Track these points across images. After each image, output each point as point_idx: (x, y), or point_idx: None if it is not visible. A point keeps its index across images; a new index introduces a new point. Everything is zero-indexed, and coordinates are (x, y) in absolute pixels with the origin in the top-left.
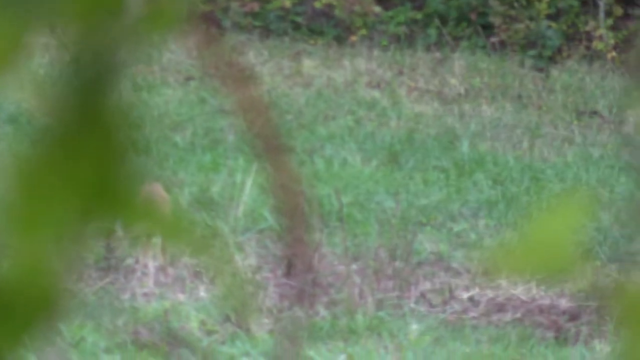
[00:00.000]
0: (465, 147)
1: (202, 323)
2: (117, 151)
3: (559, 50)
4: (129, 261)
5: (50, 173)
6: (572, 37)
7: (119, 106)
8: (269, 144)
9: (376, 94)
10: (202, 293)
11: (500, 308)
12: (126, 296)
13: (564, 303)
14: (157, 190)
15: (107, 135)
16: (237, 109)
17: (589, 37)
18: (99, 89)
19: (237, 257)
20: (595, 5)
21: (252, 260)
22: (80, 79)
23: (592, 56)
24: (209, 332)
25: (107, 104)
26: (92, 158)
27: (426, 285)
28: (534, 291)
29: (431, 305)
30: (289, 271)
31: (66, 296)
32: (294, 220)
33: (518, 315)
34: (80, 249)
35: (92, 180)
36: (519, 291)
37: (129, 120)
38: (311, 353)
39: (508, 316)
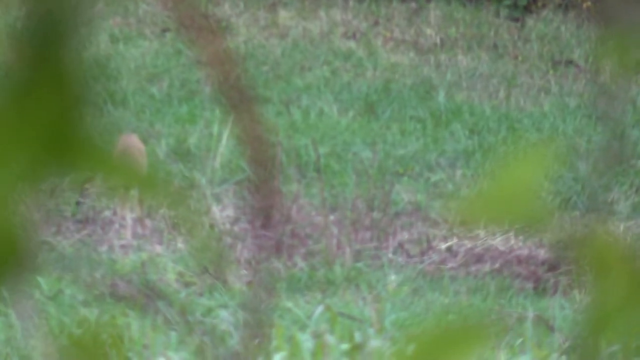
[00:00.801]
0: (441, 97)
1: (180, 275)
2: (91, 103)
3: (534, 0)
4: (106, 213)
5: (20, 125)
6: None
7: (88, 59)
8: (240, 95)
9: (352, 44)
10: (179, 245)
11: (479, 258)
12: (104, 248)
13: (543, 253)
14: (134, 141)
15: (79, 86)
16: (208, 60)
17: None
18: (68, 42)
19: (215, 209)
20: None
21: (230, 212)
22: (50, 32)
23: (568, 5)
24: (187, 284)
25: (76, 56)
26: (64, 109)
27: (404, 236)
28: (512, 241)
29: (409, 256)
30: (267, 223)
31: (38, 248)
32: (266, 172)
33: (496, 265)
34: (55, 201)
35: (66, 132)
36: (497, 241)
37: (102, 72)
38: (289, 304)
39: (486, 267)
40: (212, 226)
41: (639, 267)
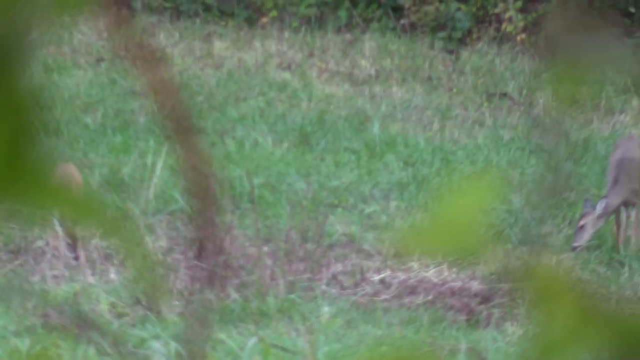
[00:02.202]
0: (376, 128)
1: (112, 305)
2: (28, 132)
3: (469, 32)
4: (39, 243)
5: None
6: (481, 19)
7: (28, 87)
8: (179, 125)
9: (287, 75)
10: (112, 275)
11: (412, 290)
12: (36, 279)
13: (476, 285)
14: (71, 171)
15: (17, 115)
16: (147, 90)
17: (499, 19)
18: (8, 70)
19: (148, 239)
20: None
21: (163, 242)
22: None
23: (502, 38)
24: (119, 315)
25: (17, 85)
26: (2, 138)
27: (337, 268)
28: (446, 273)
29: (342, 288)
30: (200, 253)
31: None
32: (204, 202)
33: (429, 297)
34: None
35: (2, 161)
36: (431, 273)
37: (39, 101)
38: (222, 336)
39: (419, 298)
40: (145, 256)
41: (583, 299)
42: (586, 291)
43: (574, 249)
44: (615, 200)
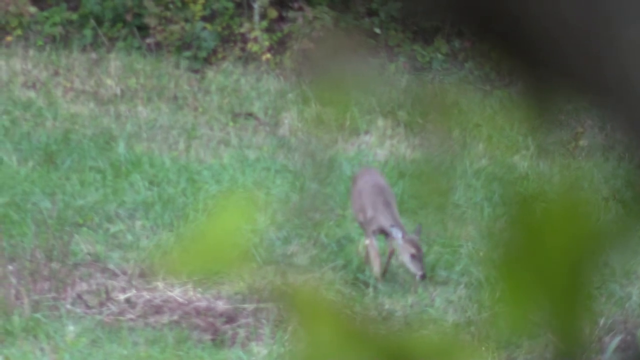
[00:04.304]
0: (121, 148)
1: None
2: None
3: (214, 52)
4: None
5: None
6: (227, 39)
7: None
8: None
9: (32, 94)
10: None
11: (157, 310)
12: None
13: (221, 305)
14: None
15: None
16: None
17: (244, 39)
18: None
19: None
20: (250, 8)
21: None
22: None
23: (247, 58)
24: None
25: None
26: None
27: (83, 287)
28: (191, 293)
29: (88, 307)
30: None
31: None
32: None
33: (175, 317)
34: None
35: None
36: (176, 293)
37: None
38: None
39: (165, 318)
40: None
41: (343, 319)
42: (344, 311)
43: (423, 277)
44: (387, 222)
